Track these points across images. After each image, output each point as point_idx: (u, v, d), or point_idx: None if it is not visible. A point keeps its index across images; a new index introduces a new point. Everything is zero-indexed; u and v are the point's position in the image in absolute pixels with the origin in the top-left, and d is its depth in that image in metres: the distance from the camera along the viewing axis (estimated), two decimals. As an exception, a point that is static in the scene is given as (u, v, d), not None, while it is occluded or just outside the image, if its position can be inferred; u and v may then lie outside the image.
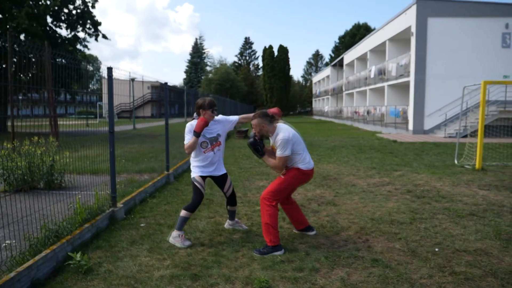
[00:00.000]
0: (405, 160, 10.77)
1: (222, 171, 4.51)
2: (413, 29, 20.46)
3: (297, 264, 3.71)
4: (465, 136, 16.13)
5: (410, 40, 21.13)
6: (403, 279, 3.40)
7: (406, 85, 22.51)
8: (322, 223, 5.01)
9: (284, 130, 4.06)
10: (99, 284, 3.31)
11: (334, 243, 4.29)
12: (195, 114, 4.41)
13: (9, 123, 20.13)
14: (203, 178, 4.40)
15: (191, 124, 4.29)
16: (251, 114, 4.31)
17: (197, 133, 4.17)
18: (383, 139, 17.81)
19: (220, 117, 4.50)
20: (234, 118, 4.57)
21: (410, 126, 20.83)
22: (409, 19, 21.11)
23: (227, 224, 4.87)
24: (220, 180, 4.51)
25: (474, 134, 13.76)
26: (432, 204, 5.93)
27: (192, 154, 4.43)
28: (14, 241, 3.97)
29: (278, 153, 4.01)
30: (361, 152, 12.57)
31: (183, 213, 4.31)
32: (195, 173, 4.41)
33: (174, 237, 4.25)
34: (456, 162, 10.09)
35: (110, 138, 5.06)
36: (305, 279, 3.41)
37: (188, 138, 4.27)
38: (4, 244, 3.99)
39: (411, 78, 20.63)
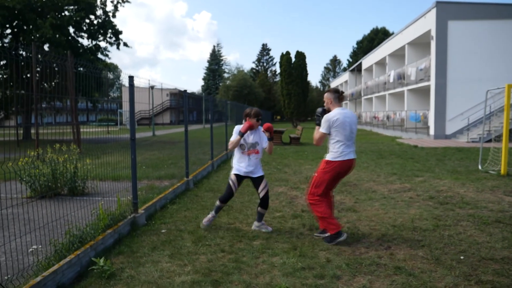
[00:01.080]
0: (426, 165, 10.57)
1: (258, 174, 4.95)
2: (433, 33, 20.16)
3: (318, 271, 3.68)
4: (489, 141, 15.74)
5: (430, 44, 20.83)
6: (427, 287, 3.33)
7: (426, 90, 22.15)
8: (342, 229, 4.95)
9: (334, 112, 4.37)
10: (122, 289, 3.35)
11: (356, 250, 4.23)
12: (243, 121, 4.97)
13: (33, 131, 20.72)
14: (238, 177, 4.95)
15: (239, 126, 4.87)
16: (271, 147, 4.93)
17: (241, 133, 4.77)
18: (404, 144, 17.54)
19: (261, 130, 4.96)
20: (265, 143, 4.95)
21: (431, 131, 20.46)
22: (428, 23, 20.82)
23: (254, 225, 5.04)
24: (256, 181, 4.95)
25: (498, 138, 13.41)
26: (455, 211, 5.80)
27: (235, 154, 5.00)
28: (40, 246, 4.07)
29: (320, 128, 4.44)
30: (381, 158, 12.41)
31: (217, 202, 5.06)
32: (232, 171, 5.00)
33: (207, 216, 5.11)
34: (480, 167, 9.84)
35: (132, 145, 5.14)
36: (326, 286, 3.38)
37: (234, 137, 4.85)
38: (30, 249, 4.09)
39: (432, 82, 20.30)
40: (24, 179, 6.75)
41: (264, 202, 4.89)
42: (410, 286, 3.36)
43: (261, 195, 4.88)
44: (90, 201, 6.32)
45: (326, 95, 4.52)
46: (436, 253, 4.09)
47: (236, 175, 4.96)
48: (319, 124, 4.49)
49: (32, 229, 4.40)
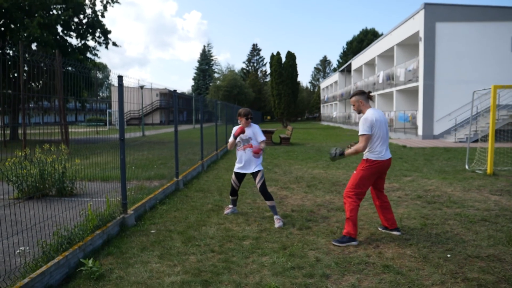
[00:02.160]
0: (415, 165, 10.69)
1: (254, 169, 5.39)
2: (421, 34, 20.39)
3: (308, 270, 3.70)
4: (476, 141, 15.98)
5: (419, 45, 21.06)
6: (414, 285, 3.37)
7: (414, 90, 22.39)
8: (332, 229, 4.99)
9: (368, 112, 4.40)
10: (111, 290, 3.33)
11: (345, 249, 4.27)
12: (239, 120, 5.54)
13: (20, 131, 20.42)
14: (237, 176, 5.54)
15: (236, 127, 5.43)
16: (263, 145, 5.37)
17: (234, 136, 5.41)
18: (392, 144, 17.70)
19: (255, 126, 5.47)
20: (260, 138, 5.41)
21: (420, 131, 20.70)
22: (417, 24, 21.05)
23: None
24: (253, 176, 5.42)
25: (485, 138, 13.62)
26: (443, 210, 5.88)
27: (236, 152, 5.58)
28: (27, 247, 4.02)
29: (359, 133, 4.37)
30: (370, 158, 12.49)
31: (230, 197, 5.74)
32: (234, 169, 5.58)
33: (228, 206, 5.80)
34: (467, 167, 9.99)
35: (121, 145, 5.11)
36: (315, 285, 3.40)
37: (231, 138, 5.50)
38: (18, 251, 4.04)
39: (420, 83, 20.53)
40: (11, 179, 6.66)
41: (263, 194, 5.31)
42: (398, 284, 3.40)
43: (257, 187, 5.32)
44: (78, 202, 6.26)
45: (355, 98, 4.51)
46: (423, 252, 4.14)
47: (235, 173, 5.55)
48: (342, 154, 4.63)
49: (20, 231, 4.35)
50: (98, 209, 4.82)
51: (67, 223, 4.46)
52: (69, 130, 14.77)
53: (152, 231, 4.94)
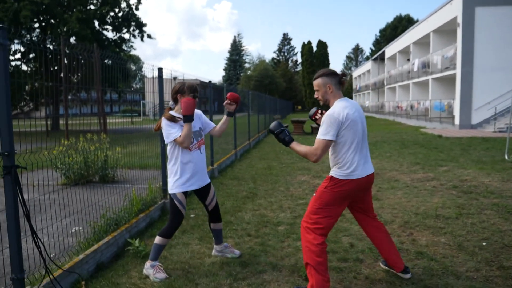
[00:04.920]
0: (451, 155, 10.48)
1: (207, 180, 3.61)
2: (459, 20, 19.65)
3: (341, 255, 3.82)
4: (517, 131, 15.35)
5: (456, 32, 20.33)
6: (448, 271, 3.42)
7: (451, 78, 21.68)
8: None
9: (338, 107, 2.92)
10: (156, 268, 3.58)
11: (378, 236, 4.34)
12: (171, 102, 3.51)
13: (61, 122, 21.36)
14: (185, 194, 3.48)
15: (170, 123, 3.34)
16: (225, 126, 3.65)
17: (188, 117, 3.23)
18: (428, 134, 17.31)
19: (199, 112, 3.64)
20: (211, 125, 3.68)
21: (457, 121, 20.07)
22: (454, 10, 20.29)
23: (214, 251, 3.84)
24: (202, 191, 3.60)
25: (526, 128, 13.07)
26: (479, 200, 5.80)
27: (170, 160, 3.45)
28: (81, 227, 4.34)
29: (318, 134, 2.92)
30: (404, 148, 12.34)
31: (158, 240, 3.42)
32: (176, 187, 3.41)
33: (147, 269, 3.42)
34: (506, 157, 9.70)
35: (161, 134, 5.34)
36: (349, 269, 3.52)
37: (174, 131, 3.29)
38: (72, 231, 4.38)
39: (458, 71, 19.86)
40: (59, 167, 7.11)
41: (216, 215, 3.69)
42: (431, 270, 3.46)
43: (211, 207, 3.65)
44: (120, 188, 6.61)
45: (322, 80, 3.02)
46: (458, 240, 4.15)
47: (184, 192, 3.45)
48: (289, 140, 3.06)
49: (68, 214, 4.69)
50: (140, 195, 5.11)
51: (112, 207, 4.76)
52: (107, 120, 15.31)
53: (192, 216, 5.19)
